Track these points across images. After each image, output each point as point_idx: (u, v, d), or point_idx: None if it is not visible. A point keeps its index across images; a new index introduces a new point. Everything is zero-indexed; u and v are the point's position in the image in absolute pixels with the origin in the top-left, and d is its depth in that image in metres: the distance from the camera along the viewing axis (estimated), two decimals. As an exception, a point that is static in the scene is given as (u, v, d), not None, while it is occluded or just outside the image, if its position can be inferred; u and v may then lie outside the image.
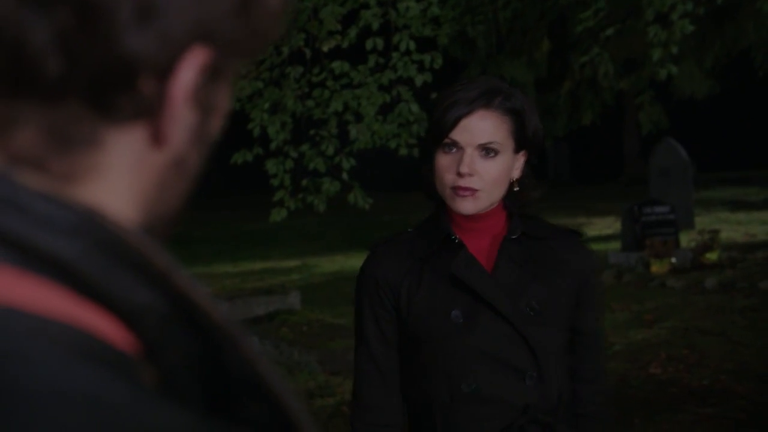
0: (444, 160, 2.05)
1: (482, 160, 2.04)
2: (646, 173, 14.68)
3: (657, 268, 10.48)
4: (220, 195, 23.68)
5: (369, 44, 6.89)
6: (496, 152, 2.04)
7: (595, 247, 12.68)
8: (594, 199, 20.11)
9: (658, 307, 8.64)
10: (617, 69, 11.55)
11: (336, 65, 7.00)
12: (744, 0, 11.31)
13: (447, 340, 2.04)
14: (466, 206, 2.05)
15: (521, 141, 2.08)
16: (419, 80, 6.94)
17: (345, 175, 7.05)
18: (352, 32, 7.03)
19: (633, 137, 23.24)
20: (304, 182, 7.20)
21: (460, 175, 2.02)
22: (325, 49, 6.93)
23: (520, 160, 2.12)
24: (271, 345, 7.53)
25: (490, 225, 2.13)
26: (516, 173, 2.12)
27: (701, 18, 7.63)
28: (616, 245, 12.16)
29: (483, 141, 2.03)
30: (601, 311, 2.19)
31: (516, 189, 2.13)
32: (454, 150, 2.04)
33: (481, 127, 2.03)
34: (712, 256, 10.76)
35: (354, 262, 12.20)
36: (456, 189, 2.04)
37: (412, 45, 6.94)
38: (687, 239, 11.81)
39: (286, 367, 7.06)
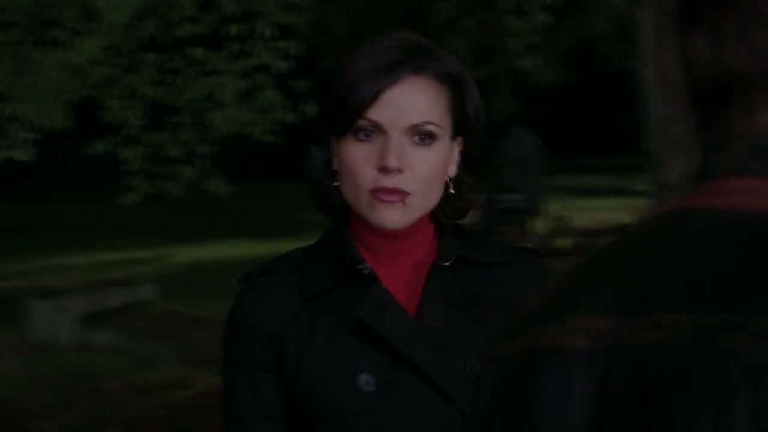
0: (357, 152, 1.46)
1: (414, 150, 1.45)
2: (498, 161, 14.93)
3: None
4: (69, 184, 23.00)
5: (230, 30, 6.79)
6: (432, 137, 1.46)
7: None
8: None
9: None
10: (474, 58, 11.72)
11: (194, 51, 6.88)
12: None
13: (353, 417, 1.46)
14: (393, 217, 1.44)
15: (460, 122, 1.50)
16: (281, 67, 6.89)
17: (203, 162, 6.94)
18: (209, 18, 6.92)
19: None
20: (159, 169, 7.06)
21: (385, 170, 1.43)
22: (181, 34, 6.79)
23: (456, 150, 1.53)
24: (126, 337, 7.36)
25: (413, 246, 1.52)
26: (452, 169, 1.53)
27: (556, 9, 7.82)
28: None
29: (416, 121, 1.45)
30: None
31: (451, 192, 1.53)
32: (373, 136, 1.45)
33: (413, 101, 1.45)
34: (564, 242, 11.05)
35: (211, 252, 12.04)
36: (378, 192, 1.44)
37: (273, 31, 6.87)
38: (539, 226, 12.11)
39: (142, 359, 6.92)
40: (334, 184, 1.51)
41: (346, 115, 1.46)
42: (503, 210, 11.55)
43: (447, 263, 1.50)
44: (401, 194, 1.44)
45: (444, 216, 1.53)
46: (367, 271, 1.48)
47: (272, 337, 1.49)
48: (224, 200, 7.46)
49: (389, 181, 1.43)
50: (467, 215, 1.59)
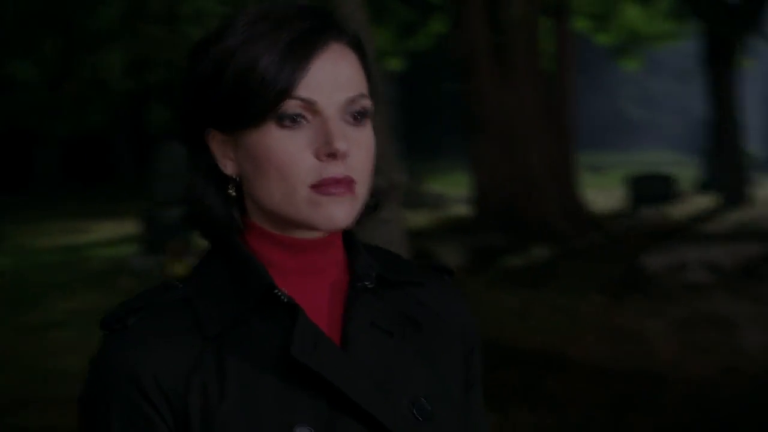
0: (286, 141, 1.14)
1: (350, 130, 1.16)
2: (150, 175, 14.66)
3: (176, 270, 10.46)
4: None
5: None
6: (365, 114, 1.18)
7: (110, 251, 12.39)
8: (100, 200, 19.76)
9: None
10: (127, 70, 11.35)
11: None
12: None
13: None
14: (342, 213, 1.15)
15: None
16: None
17: None
18: None
19: (134, 138, 23.15)
20: None
21: (331, 157, 1.13)
22: None
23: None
24: None
25: (327, 263, 1.22)
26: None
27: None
28: (130, 248, 12.02)
29: (351, 95, 1.16)
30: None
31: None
32: (304, 120, 1.14)
33: (343, 73, 1.16)
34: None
35: None
36: (323, 185, 1.14)
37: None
38: (197, 240, 12.04)
39: None
40: (230, 192, 1.20)
41: (267, 97, 1.12)
42: (167, 225, 11.31)
43: (369, 283, 1.22)
44: (349, 183, 1.15)
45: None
46: (286, 299, 1.16)
47: (168, 396, 1.11)
48: None
49: (335, 170, 1.13)
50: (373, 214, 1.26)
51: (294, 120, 1.14)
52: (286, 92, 1.12)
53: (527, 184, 11.92)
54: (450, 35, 12.64)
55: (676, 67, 32.26)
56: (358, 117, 1.16)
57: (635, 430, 5.18)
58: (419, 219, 13.50)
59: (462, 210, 14.36)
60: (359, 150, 1.16)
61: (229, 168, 1.19)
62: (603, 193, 17.82)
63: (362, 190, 1.17)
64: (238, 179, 1.19)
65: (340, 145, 1.12)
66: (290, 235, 1.19)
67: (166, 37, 8.13)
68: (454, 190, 18.08)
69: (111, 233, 15.07)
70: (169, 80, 8.74)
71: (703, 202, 16.09)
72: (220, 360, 1.14)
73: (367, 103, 1.17)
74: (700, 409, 5.43)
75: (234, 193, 1.20)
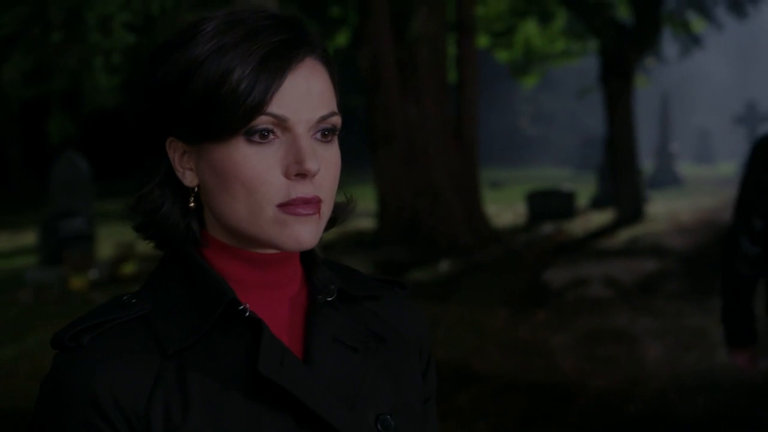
0: (256, 158, 1.10)
1: (321, 148, 1.13)
2: (46, 185, 14.36)
3: (77, 283, 10.21)
4: None
5: None
6: (334, 131, 1.15)
7: (6, 263, 12.06)
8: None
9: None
10: (25, 77, 11.05)
11: None
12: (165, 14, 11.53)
13: None
14: (308, 235, 1.12)
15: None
16: None
17: None
18: None
19: (27, 147, 22.65)
20: None
21: (300, 175, 1.10)
22: None
23: None
24: None
25: (287, 278, 1.20)
26: None
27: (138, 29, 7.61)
28: (28, 260, 11.72)
29: (324, 113, 1.13)
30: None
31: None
32: (272, 137, 1.10)
33: (315, 89, 1.12)
34: (128, 268, 10.79)
35: None
36: (292, 205, 1.10)
37: None
38: (104, 252, 11.79)
39: None
40: (190, 205, 1.16)
41: (239, 112, 1.08)
42: (64, 237, 11.05)
43: (330, 298, 1.20)
44: (317, 203, 1.12)
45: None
46: (248, 313, 1.12)
47: (129, 417, 1.07)
48: None
49: (304, 190, 1.10)
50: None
51: (264, 136, 1.10)
52: (260, 108, 1.08)
53: (431, 197, 12.00)
54: (354, 49, 12.67)
55: (572, 85, 32.97)
56: (327, 134, 1.13)
57: (542, 442, 5.24)
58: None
59: (366, 223, 14.38)
60: (328, 169, 1.13)
61: (188, 178, 1.15)
62: (503, 208, 18.07)
63: (327, 209, 1.15)
64: (196, 190, 1.16)
65: (311, 165, 1.09)
66: (250, 249, 1.16)
67: (67, 45, 7.96)
68: (358, 204, 18.06)
69: (7, 244, 14.67)
70: (71, 89, 8.57)
71: (599, 218, 16.44)
72: (181, 378, 1.10)
73: (337, 120, 1.14)
74: (605, 422, 5.52)
75: (193, 205, 1.16)
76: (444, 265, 11.02)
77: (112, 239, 12.63)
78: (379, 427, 1.16)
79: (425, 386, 1.29)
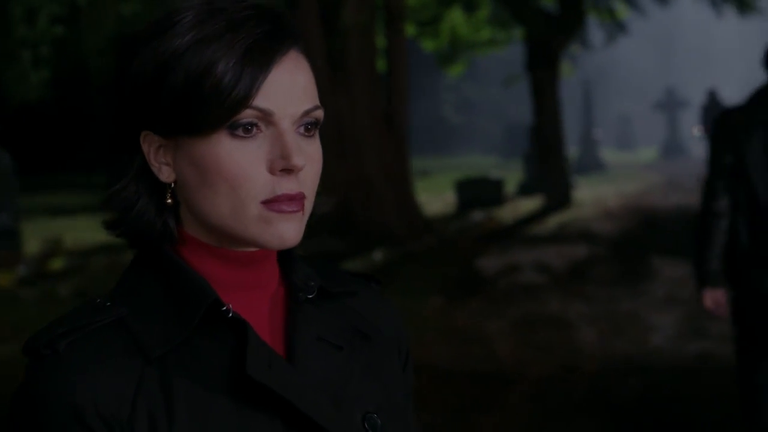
0: (240, 153, 1.07)
1: (305, 143, 1.10)
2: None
3: (4, 280, 10.02)
4: None
5: None
6: (317, 126, 1.12)
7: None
8: None
9: (19, 322, 8.24)
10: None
11: None
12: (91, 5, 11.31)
13: None
14: (292, 232, 1.09)
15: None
16: None
17: None
18: None
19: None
20: None
21: (285, 171, 1.07)
22: None
23: None
24: None
25: (267, 276, 1.16)
26: None
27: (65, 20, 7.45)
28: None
29: (308, 107, 1.10)
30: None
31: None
32: (255, 130, 1.07)
33: (299, 82, 1.10)
34: (56, 263, 10.64)
35: None
36: (277, 201, 1.07)
37: None
38: (32, 248, 11.57)
39: None
40: (168, 201, 1.12)
41: (223, 105, 1.04)
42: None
43: (311, 295, 1.17)
44: (302, 200, 1.09)
45: None
46: (231, 314, 1.09)
47: (112, 426, 1.02)
48: None
49: (289, 186, 1.07)
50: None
51: (248, 130, 1.06)
52: (245, 101, 1.05)
53: (363, 187, 12.01)
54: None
55: (495, 73, 33.24)
56: (310, 128, 1.10)
57: (481, 430, 5.29)
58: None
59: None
60: (312, 164, 1.10)
61: (164, 174, 1.10)
62: (432, 197, 18.17)
63: (310, 205, 1.11)
64: (173, 186, 1.11)
65: (298, 161, 1.06)
66: (229, 248, 1.12)
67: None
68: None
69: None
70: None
71: (528, 204, 16.62)
72: (164, 383, 1.05)
73: (320, 114, 1.11)
74: (542, 407, 5.60)
75: (170, 201, 1.12)
76: (378, 255, 11.05)
77: (39, 234, 12.41)
78: (366, 426, 1.14)
79: (405, 383, 1.27)
